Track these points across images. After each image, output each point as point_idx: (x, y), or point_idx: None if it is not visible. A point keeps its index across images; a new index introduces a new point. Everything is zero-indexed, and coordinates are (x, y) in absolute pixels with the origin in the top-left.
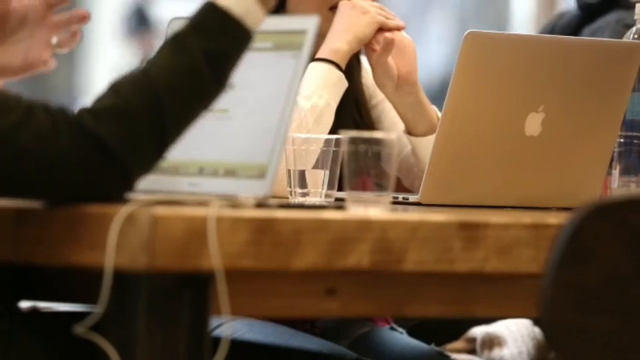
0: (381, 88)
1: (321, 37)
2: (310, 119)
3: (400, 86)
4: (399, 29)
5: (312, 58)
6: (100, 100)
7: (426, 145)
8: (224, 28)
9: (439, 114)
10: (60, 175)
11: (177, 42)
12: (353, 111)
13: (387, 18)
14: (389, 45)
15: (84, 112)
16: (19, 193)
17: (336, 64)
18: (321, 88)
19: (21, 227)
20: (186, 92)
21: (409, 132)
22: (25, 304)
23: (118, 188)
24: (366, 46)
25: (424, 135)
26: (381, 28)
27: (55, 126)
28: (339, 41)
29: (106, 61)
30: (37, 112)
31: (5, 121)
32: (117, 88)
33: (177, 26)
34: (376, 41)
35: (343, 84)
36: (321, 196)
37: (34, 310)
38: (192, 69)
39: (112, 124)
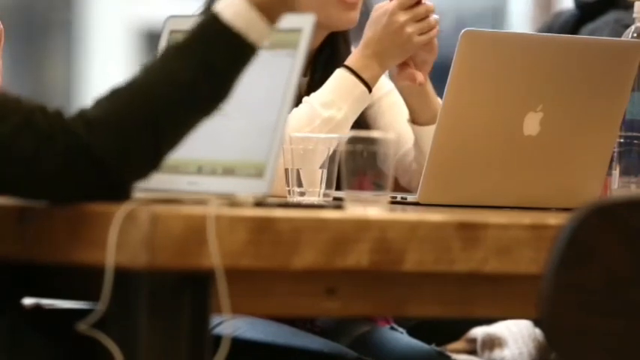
0: (396, 84)
1: (324, 28)
2: (324, 129)
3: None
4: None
5: (341, 64)
6: (97, 108)
7: (428, 134)
8: (226, 43)
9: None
10: (50, 180)
11: (178, 54)
12: None
13: (428, 28)
14: (418, 83)
15: (79, 118)
16: (11, 194)
17: (364, 81)
18: (342, 100)
19: (23, 225)
20: (183, 107)
21: (413, 120)
22: (27, 302)
23: (107, 197)
24: None
25: (426, 124)
26: None
27: (52, 131)
28: (375, 62)
29: (105, 64)
30: (36, 117)
31: (3, 126)
32: (114, 98)
33: (175, 25)
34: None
35: (366, 99)
36: (319, 196)
37: (36, 308)
38: (191, 84)
39: (106, 135)
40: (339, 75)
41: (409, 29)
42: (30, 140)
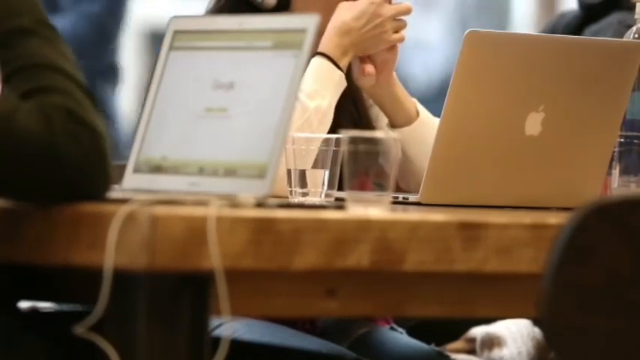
0: (358, 83)
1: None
2: (315, 120)
3: (376, 84)
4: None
5: (317, 52)
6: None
7: (406, 136)
8: None
9: (418, 106)
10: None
11: None
12: (351, 109)
13: (401, 27)
14: (372, 74)
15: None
16: (21, 177)
17: (338, 66)
18: (324, 88)
19: (20, 227)
20: None
21: (391, 124)
22: (24, 304)
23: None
24: None
25: (402, 126)
26: None
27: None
28: (351, 51)
29: None
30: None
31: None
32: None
33: (178, 25)
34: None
35: (343, 84)
36: (321, 196)
37: (33, 310)
38: None
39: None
40: (318, 64)
41: (388, 24)
42: (27, 117)
